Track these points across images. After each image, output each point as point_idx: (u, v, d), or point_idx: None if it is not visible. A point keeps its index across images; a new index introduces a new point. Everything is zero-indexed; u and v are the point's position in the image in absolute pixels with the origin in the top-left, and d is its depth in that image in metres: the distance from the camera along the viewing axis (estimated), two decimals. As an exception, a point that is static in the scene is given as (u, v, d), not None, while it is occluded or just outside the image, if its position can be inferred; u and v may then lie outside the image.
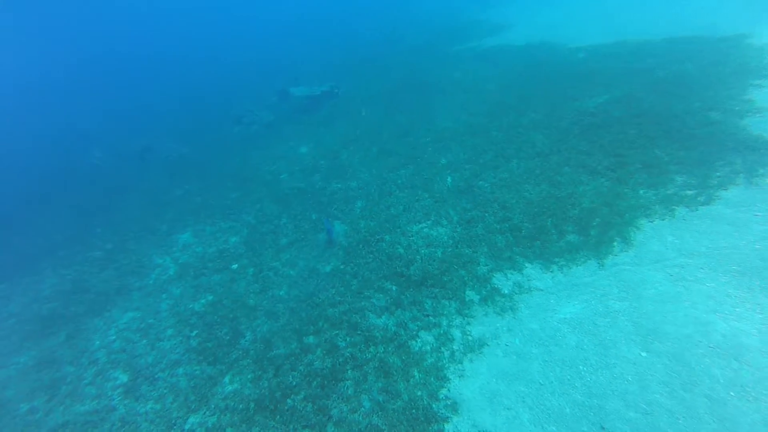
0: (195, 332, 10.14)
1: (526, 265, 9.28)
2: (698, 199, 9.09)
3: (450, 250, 10.40)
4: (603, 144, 12.03)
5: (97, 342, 10.43)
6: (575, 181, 11.10)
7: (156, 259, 13.76)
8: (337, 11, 55.29)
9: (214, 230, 14.74)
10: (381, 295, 9.68)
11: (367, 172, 15.56)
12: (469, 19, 35.00)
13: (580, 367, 6.64)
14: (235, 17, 67.44)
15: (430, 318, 8.72)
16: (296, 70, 33.17)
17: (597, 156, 11.68)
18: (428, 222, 11.73)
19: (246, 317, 10.32)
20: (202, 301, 11.29)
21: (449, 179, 13.37)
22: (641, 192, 9.95)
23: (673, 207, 9.14)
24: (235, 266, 12.52)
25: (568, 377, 6.61)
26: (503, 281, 9.05)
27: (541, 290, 8.52)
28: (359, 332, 8.85)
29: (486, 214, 11.16)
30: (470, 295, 8.97)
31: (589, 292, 8.03)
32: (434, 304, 8.99)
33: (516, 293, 8.65)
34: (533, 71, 19.72)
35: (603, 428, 5.69)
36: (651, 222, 9.02)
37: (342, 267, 11.02)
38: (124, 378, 9.27)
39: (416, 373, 7.60)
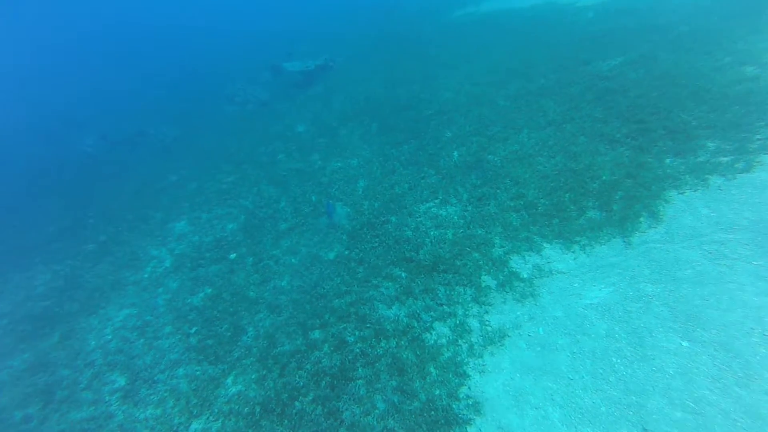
0: (194, 329, 9.58)
1: (545, 245, 8.60)
2: (736, 166, 8.29)
3: (461, 231, 9.71)
4: (621, 110, 11.16)
5: (93, 342, 9.90)
6: (593, 151, 10.30)
7: (151, 250, 13.13)
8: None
9: (210, 217, 14.06)
10: (390, 283, 9.05)
11: (368, 148, 14.75)
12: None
13: (614, 360, 6.03)
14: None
15: (445, 307, 8.10)
16: (289, 44, 31.83)
17: (615, 123, 10.83)
18: (436, 201, 11.01)
19: (247, 311, 9.75)
20: (201, 294, 10.70)
21: (455, 154, 12.57)
22: (667, 161, 9.17)
23: (707, 176, 8.36)
24: (233, 256, 11.89)
25: (601, 371, 6.01)
26: (521, 264, 8.39)
27: (564, 273, 7.86)
28: (368, 325, 8.25)
29: (498, 191, 10.43)
30: (486, 280, 8.33)
31: (616, 274, 7.36)
32: (448, 292, 8.36)
33: (536, 277, 7.99)
34: (539, 35, 18.57)
35: (645, 431, 5.11)
36: (681, 194, 8.26)
37: (346, 253, 10.37)
38: (121, 381, 8.75)
39: (433, 370, 7.03)
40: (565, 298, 7.37)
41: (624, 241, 7.92)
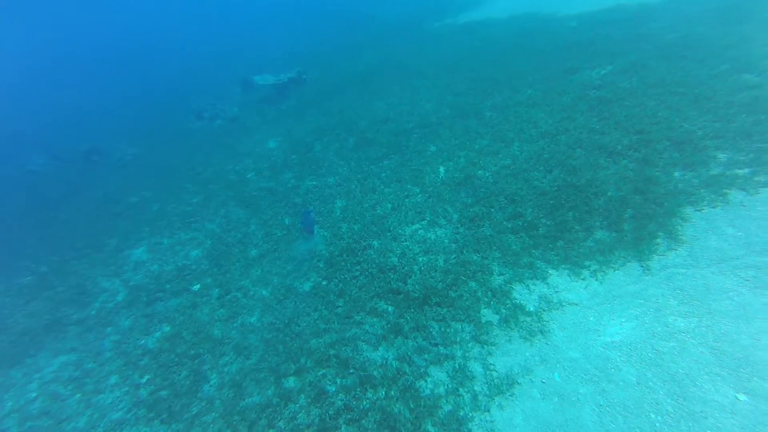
0: (146, 378, 8.14)
1: (551, 272, 7.59)
2: (756, 179, 7.52)
3: (454, 256, 8.64)
4: (618, 120, 10.40)
5: (9, 404, 8.26)
6: (593, 164, 9.45)
7: (102, 282, 11.58)
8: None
9: (172, 243, 12.62)
10: (375, 319, 7.87)
11: (345, 165, 13.63)
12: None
13: (652, 417, 4.98)
14: (192, 4, 63.48)
15: (440, 348, 6.95)
16: (260, 57, 30.70)
17: (613, 134, 10.04)
18: (423, 222, 9.93)
19: (211, 353, 8.38)
20: (157, 334, 9.27)
21: (442, 170, 11.57)
22: (677, 174, 8.35)
23: (725, 191, 7.55)
24: (196, 287, 10.49)
25: None
26: (525, 295, 7.34)
27: (575, 304, 6.83)
28: (352, 371, 7.03)
29: (492, 210, 9.43)
30: (487, 314, 7.24)
31: (638, 305, 6.38)
32: (443, 329, 7.23)
33: (544, 310, 6.95)
34: (522, 44, 17.99)
35: None
36: (699, 211, 7.41)
37: (324, 284, 9.14)
38: (50, 452, 7.24)
39: (431, 428, 5.84)
40: (580, 335, 6.33)
41: (641, 266, 6.97)
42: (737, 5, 14.61)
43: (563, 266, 7.59)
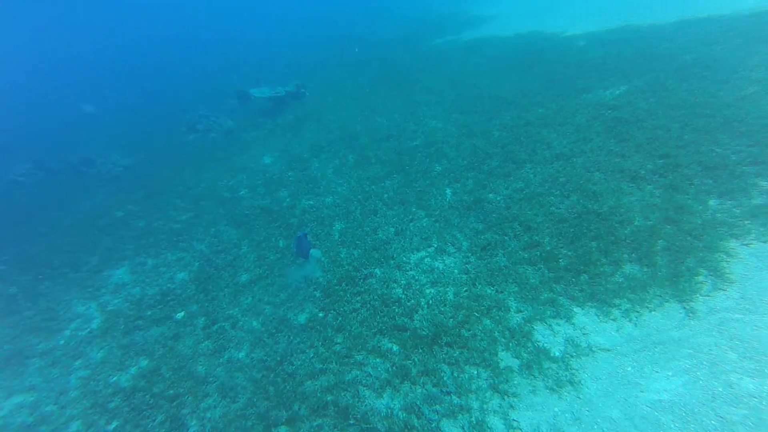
0: (114, 424, 7.16)
1: (576, 310, 6.77)
2: (809, 211, 6.81)
3: (465, 289, 7.81)
4: (639, 143, 9.73)
5: None
6: (615, 190, 8.72)
7: (76, 306, 10.61)
8: (300, 8, 52.44)
9: (157, 263, 11.70)
10: (378, 360, 6.98)
11: (344, 184, 12.85)
12: (445, 12, 32.81)
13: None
14: (191, 14, 63.35)
15: (454, 397, 6.07)
16: (258, 69, 30.17)
17: (635, 158, 9.35)
18: (429, 250, 9.12)
19: (192, 395, 7.43)
20: (132, 369, 8.30)
21: (449, 192, 10.82)
22: (712, 203, 7.63)
23: (774, 223, 6.82)
24: (180, 315, 9.56)
25: None
26: (549, 337, 6.50)
27: (608, 350, 5.99)
28: (353, 422, 6.12)
29: (506, 238, 8.65)
30: (505, 358, 6.38)
31: (686, 355, 5.55)
32: (456, 374, 6.35)
33: (572, 355, 6.10)
34: (530, 63, 17.47)
35: None
36: (748, 246, 6.65)
37: (321, 316, 8.26)
38: None
39: (446, 502, 4.93)
40: (618, 389, 5.48)
41: (684, 308, 6.16)
42: (752, 26, 14.17)
43: (589, 304, 6.77)
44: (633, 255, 7.16)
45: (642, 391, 5.31)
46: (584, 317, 6.59)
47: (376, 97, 19.22)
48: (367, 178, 12.68)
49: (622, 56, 14.79)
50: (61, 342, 9.40)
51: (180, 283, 10.68)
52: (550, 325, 6.63)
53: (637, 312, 6.33)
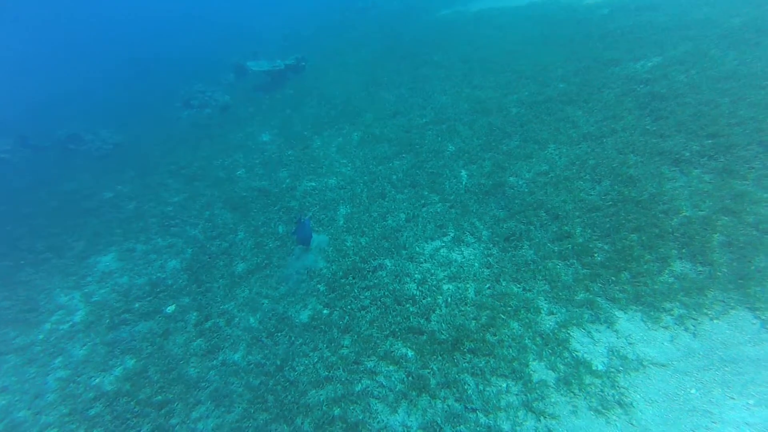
0: (96, 436, 6.40)
1: (618, 314, 5.92)
2: None
3: (488, 286, 6.95)
4: (681, 121, 8.72)
5: None
6: (655, 174, 7.77)
7: (59, 296, 9.78)
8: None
9: (147, 250, 10.84)
10: (391, 367, 6.17)
11: (349, 164, 11.87)
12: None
13: None
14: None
15: (480, 416, 5.27)
16: (256, 42, 28.71)
17: (676, 138, 8.37)
18: (445, 239, 8.23)
19: (182, 401, 6.66)
20: (117, 370, 7.52)
21: (464, 174, 9.87)
22: (777, 191, 6.70)
23: None
24: (171, 308, 8.74)
25: None
26: (589, 345, 5.66)
27: (663, 366, 5.15)
28: (363, 443, 5.34)
29: (531, 228, 7.74)
30: (538, 370, 5.56)
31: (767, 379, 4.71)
32: (481, 387, 5.55)
33: (618, 370, 5.26)
34: (548, 34, 16.21)
35: None
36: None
37: (326, 313, 7.42)
38: None
39: None
40: (682, 417, 4.65)
41: (758, 319, 5.29)
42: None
43: (633, 307, 5.91)
44: (683, 251, 6.26)
45: (714, 422, 4.48)
46: (628, 323, 5.74)
47: (380, 71, 18.01)
48: (374, 158, 11.69)
49: (653, 24, 13.54)
50: (40, 336, 8.59)
51: (171, 272, 9.83)
52: (589, 332, 5.79)
53: (694, 319, 5.47)
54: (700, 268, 5.97)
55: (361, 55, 20.84)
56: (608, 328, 5.74)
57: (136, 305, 9.01)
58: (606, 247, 6.83)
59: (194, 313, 8.36)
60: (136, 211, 12.78)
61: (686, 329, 5.38)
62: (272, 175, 12.46)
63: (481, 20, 20.57)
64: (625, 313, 5.86)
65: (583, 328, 5.83)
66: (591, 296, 6.23)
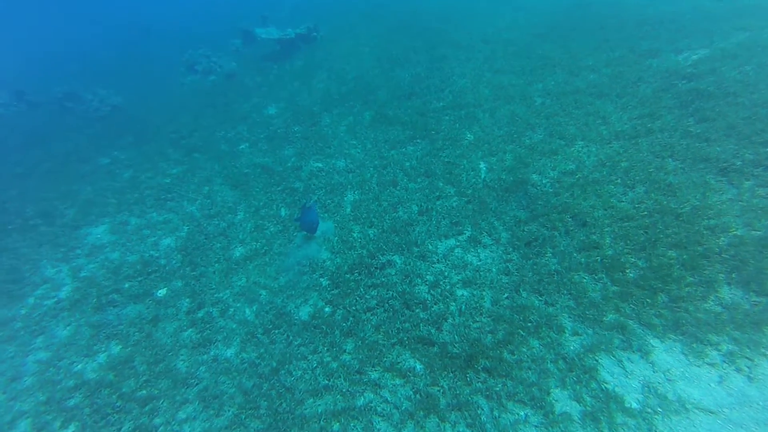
0: (70, 430, 5.91)
1: (654, 342, 5.32)
2: None
3: (506, 296, 6.35)
4: (731, 124, 7.96)
5: None
6: (698, 184, 7.08)
7: (46, 267, 9.24)
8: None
9: (140, 224, 10.24)
10: (398, 380, 5.63)
11: (359, 146, 11.14)
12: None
13: None
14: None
15: (494, 447, 4.74)
16: (265, 7, 27.44)
17: (725, 143, 7.63)
18: (461, 238, 7.60)
19: (168, 398, 6.16)
20: (101, 357, 7.02)
21: (483, 166, 9.17)
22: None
23: None
24: (162, 292, 8.20)
25: None
26: (620, 377, 5.08)
27: (711, 413, 4.56)
28: (363, 468, 4.83)
29: (555, 234, 7.10)
30: (562, 399, 5.00)
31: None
32: (496, 413, 5.00)
33: (656, 411, 4.69)
34: (576, 18, 15.22)
35: None
36: None
37: (328, 311, 6.86)
38: None
39: None
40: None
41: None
42: None
43: (672, 336, 5.31)
44: (733, 276, 5.63)
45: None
46: (666, 354, 5.15)
47: (395, 47, 17.03)
48: (386, 141, 10.96)
49: (700, 11, 12.55)
50: (23, 311, 8.08)
51: (165, 251, 9.25)
52: (620, 360, 5.20)
53: (749, 359, 4.86)
54: (755, 299, 5.34)
55: (376, 29, 19.77)
56: (642, 358, 5.16)
57: (126, 285, 8.47)
58: (640, 263, 6.20)
59: (186, 300, 7.80)
60: (132, 180, 12.13)
61: (738, 370, 4.79)
62: (277, 152, 11.74)
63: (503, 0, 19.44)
64: (662, 342, 5.27)
65: (614, 356, 5.25)
66: (622, 318, 5.63)
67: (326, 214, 8.97)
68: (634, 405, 4.73)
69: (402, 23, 19.82)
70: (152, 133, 14.80)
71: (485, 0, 20.43)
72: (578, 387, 5.04)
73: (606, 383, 4.99)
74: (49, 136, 15.82)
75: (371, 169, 10.06)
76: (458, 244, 7.50)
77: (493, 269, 6.85)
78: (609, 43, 12.43)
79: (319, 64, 17.38)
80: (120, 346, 7.16)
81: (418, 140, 10.71)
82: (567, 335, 5.66)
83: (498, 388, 5.23)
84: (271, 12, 25.58)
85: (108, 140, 14.98)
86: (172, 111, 16.35)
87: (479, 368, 5.49)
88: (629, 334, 5.42)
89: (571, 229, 7.10)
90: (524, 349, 5.59)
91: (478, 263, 7.03)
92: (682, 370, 4.93)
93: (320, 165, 10.72)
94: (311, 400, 5.64)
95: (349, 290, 7.09)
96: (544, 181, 8.23)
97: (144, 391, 6.31)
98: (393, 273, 7.22)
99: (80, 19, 35.70)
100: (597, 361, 5.24)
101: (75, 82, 20.51)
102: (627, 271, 6.17)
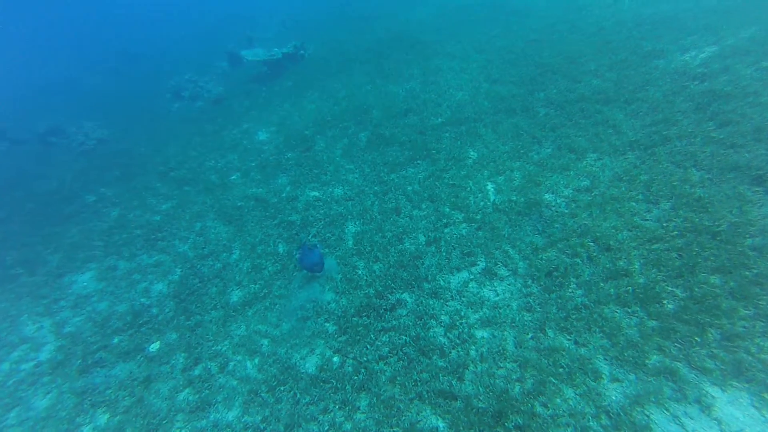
0: None
1: (712, 391, 4.67)
2: None
3: (531, 336, 5.72)
4: (758, 126, 7.41)
5: None
6: (731, 196, 6.50)
7: (26, 324, 8.57)
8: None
9: (130, 269, 9.59)
10: (420, 448, 4.97)
11: (356, 171, 10.56)
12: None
13: None
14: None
15: None
16: (251, 28, 27.02)
17: (755, 148, 7.07)
18: (474, 270, 6.98)
19: (163, 477, 5.46)
20: (85, 431, 6.31)
21: (490, 188, 8.57)
22: None
23: None
24: (155, 347, 7.54)
25: None
26: (676, 433, 4.44)
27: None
28: None
29: (577, 261, 6.49)
30: (612, 465, 4.35)
31: None
32: (538, 487, 4.34)
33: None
34: (573, 20, 14.75)
35: None
36: None
37: (336, 362, 6.21)
38: None
39: None
40: None
41: None
42: None
43: (735, 384, 4.66)
44: (787, 304, 5.02)
45: None
46: (733, 408, 4.50)
47: (387, 62, 16.55)
48: (385, 164, 10.38)
49: (702, 6, 12.08)
50: (-2, 381, 7.38)
51: (157, 297, 8.60)
52: (677, 417, 4.56)
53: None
54: (817, 332, 4.73)
55: (364, 43, 19.31)
56: (704, 412, 4.52)
57: (115, 340, 7.81)
58: (678, 292, 5.59)
59: (182, 355, 7.14)
60: (119, 219, 11.50)
61: (817, 421, 4.17)
62: (270, 182, 11.14)
63: (496, 5, 19.02)
64: (724, 391, 4.63)
65: (668, 410, 4.61)
66: (669, 361, 5.00)
67: (327, 250, 8.34)
68: (701, 472, 4.09)
69: (392, 35, 19.37)
70: (139, 166, 14.20)
71: (476, 6, 19.99)
72: (628, 448, 4.39)
73: (660, 443, 4.36)
74: (31, 175, 15.21)
75: (371, 195, 9.46)
76: (472, 277, 6.88)
77: (513, 305, 6.23)
78: (610, 45, 11.94)
79: (309, 84, 16.87)
80: (107, 415, 6.49)
81: (419, 161, 10.14)
82: (605, 382, 5.03)
83: (535, 452, 4.58)
84: (256, 32, 25.16)
85: (94, 176, 14.37)
86: (159, 141, 15.78)
87: (510, 426, 4.85)
88: (681, 381, 4.79)
89: (594, 254, 6.49)
90: (558, 401, 4.96)
91: (496, 299, 6.41)
92: (759, 430, 4.28)
93: (317, 194, 10.12)
94: (324, 474, 4.98)
95: (358, 336, 6.45)
96: (558, 201, 7.65)
97: (136, 470, 5.63)
98: (404, 314, 6.59)
99: (63, 46, 35.23)
100: (648, 416, 4.60)
101: (59, 116, 20.00)
102: (664, 302, 5.56)
